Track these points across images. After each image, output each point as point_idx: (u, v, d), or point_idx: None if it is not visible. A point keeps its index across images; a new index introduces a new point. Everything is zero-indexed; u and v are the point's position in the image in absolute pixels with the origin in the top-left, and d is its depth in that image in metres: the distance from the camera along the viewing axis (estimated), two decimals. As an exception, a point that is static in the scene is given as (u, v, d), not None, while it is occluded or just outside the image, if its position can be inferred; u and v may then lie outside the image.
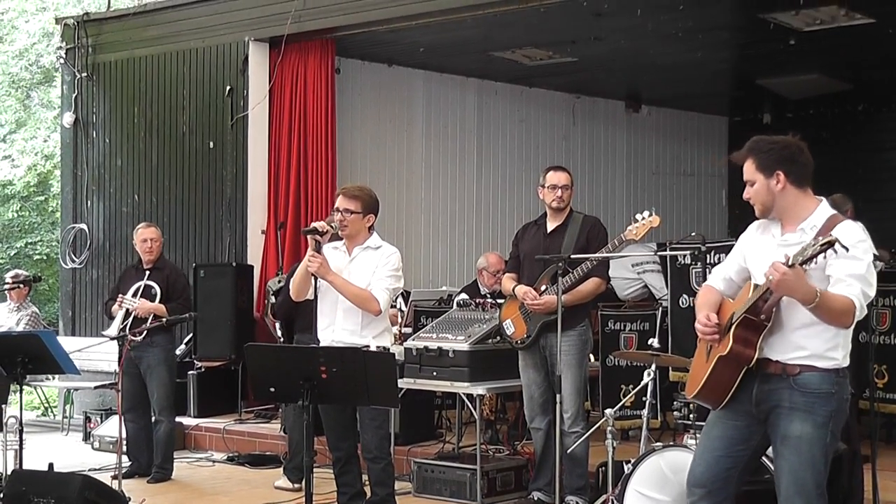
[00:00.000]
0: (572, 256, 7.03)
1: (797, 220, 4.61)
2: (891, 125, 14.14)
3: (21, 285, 11.82)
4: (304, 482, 5.69)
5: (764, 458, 5.05)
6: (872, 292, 4.50)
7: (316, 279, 6.21)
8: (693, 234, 7.32)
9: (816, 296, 4.31)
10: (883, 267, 6.72)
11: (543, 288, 7.36)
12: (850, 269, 4.40)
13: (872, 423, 6.73)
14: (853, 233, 4.50)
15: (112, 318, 8.91)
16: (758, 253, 4.70)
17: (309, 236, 6.27)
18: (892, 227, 9.29)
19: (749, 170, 4.65)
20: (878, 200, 12.03)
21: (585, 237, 7.40)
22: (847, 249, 4.29)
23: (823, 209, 4.62)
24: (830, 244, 4.21)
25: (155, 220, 11.39)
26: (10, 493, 7.03)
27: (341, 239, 6.47)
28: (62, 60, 13.38)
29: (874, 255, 4.55)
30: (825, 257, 4.25)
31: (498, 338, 7.85)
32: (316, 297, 6.26)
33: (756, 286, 4.55)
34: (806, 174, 4.64)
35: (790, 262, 4.26)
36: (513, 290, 7.53)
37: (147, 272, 9.01)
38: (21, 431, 7.46)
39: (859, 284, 4.41)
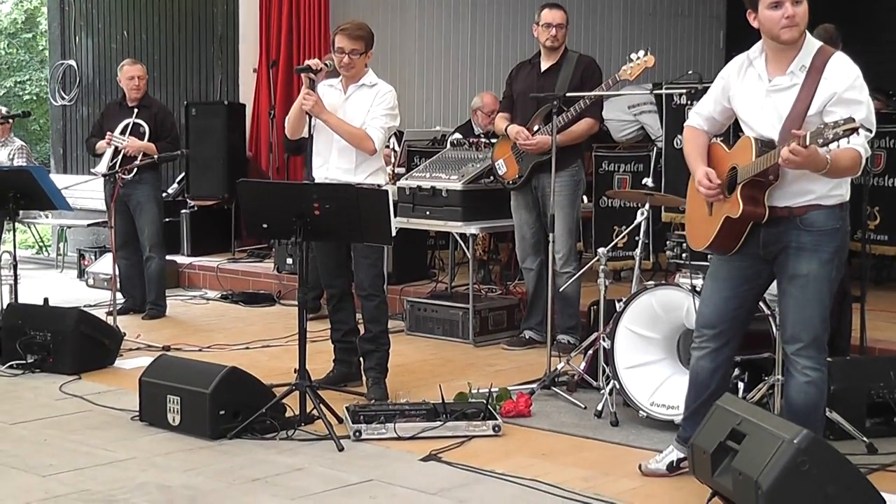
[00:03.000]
0: (567, 95, 6.97)
1: (786, 61, 4.51)
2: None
3: (9, 121, 11.71)
4: (298, 317, 5.76)
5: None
6: (874, 129, 4.46)
7: (310, 117, 6.17)
8: (690, 72, 7.25)
9: (827, 164, 4.29)
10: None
11: (536, 128, 7.33)
12: (852, 115, 4.31)
13: (863, 264, 6.78)
14: (847, 70, 4.44)
15: (96, 155, 8.87)
16: (745, 99, 4.62)
17: (303, 74, 6.18)
18: (889, 69, 9.21)
19: None
20: (874, 42, 11.89)
21: (580, 77, 7.34)
22: (870, 132, 4.26)
23: (809, 45, 4.51)
24: (854, 130, 4.11)
25: (144, 57, 11.29)
26: (7, 326, 7.12)
27: (337, 75, 6.39)
28: None
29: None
30: (847, 142, 4.16)
31: (491, 177, 7.86)
32: (311, 135, 6.22)
33: (758, 143, 4.48)
34: None
35: (808, 143, 4.19)
36: (505, 129, 7.50)
37: (135, 110, 8.93)
38: (15, 266, 7.51)
39: (862, 131, 4.35)
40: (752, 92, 4.61)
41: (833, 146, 4.20)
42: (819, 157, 4.27)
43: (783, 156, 4.27)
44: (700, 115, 4.89)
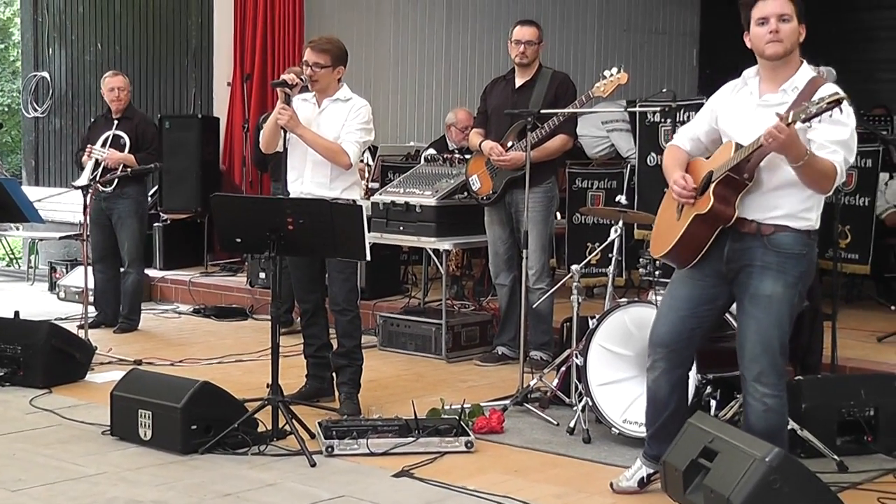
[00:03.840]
0: (541, 111, 7.00)
1: (779, 80, 4.54)
2: (866, -16, 14.03)
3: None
4: (271, 332, 5.75)
5: (727, 315, 5.12)
6: (852, 158, 4.49)
7: (285, 132, 6.17)
8: (664, 90, 7.29)
9: (806, 154, 4.29)
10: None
11: (510, 144, 7.35)
12: (834, 136, 4.37)
13: (834, 282, 6.82)
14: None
15: (82, 168, 8.84)
16: (733, 114, 4.66)
17: (278, 89, 6.19)
18: (865, 89, 9.31)
19: (786, 6, 4.49)
20: (852, 61, 11.98)
21: (554, 93, 7.36)
22: (841, 111, 4.25)
23: (805, 71, 4.56)
24: (838, 102, 4.14)
25: (118, 69, 11.22)
26: (-24, 340, 7.06)
27: (311, 91, 6.40)
28: None
29: None
30: (830, 115, 4.19)
31: (465, 193, 7.87)
32: (286, 149, 6.22)
33: (738, 146, 4.50)
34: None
35: (789, 120, 4.21)
36: (479, 145, 7.52)
37: (116, 122, 8.90)
38: (-14, 280, 7.47)
39: (843, 151, 4.38)
40: (741, 107, 4.63)
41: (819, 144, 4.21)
42: (800, 143, 4.27)
43: (766, 132, 4.24)
44: (685, 135, 4.90)
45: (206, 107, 11.62)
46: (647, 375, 4.92)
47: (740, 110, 4.63)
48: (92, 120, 9.72)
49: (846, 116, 4.41)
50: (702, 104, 8.05)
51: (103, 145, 8.78)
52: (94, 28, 12.51)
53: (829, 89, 4.34)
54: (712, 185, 4.54)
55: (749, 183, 4.50)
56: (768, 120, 4.33)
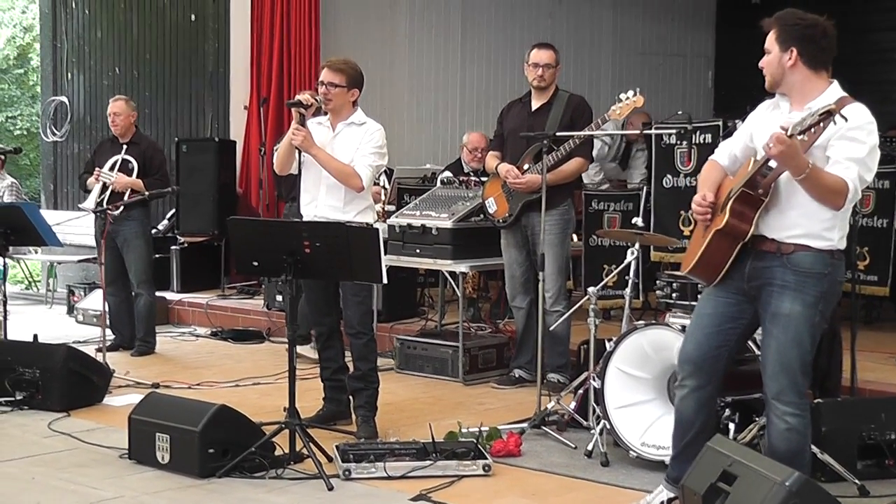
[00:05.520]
0: (557, 134, 6.98)
1: (805, 100, 4.55)
2: (881, 6, 13.96)
3: (1, 157, 11.72)
4: (288, 355, 5.73)
5: (749, 342, 5.09)
6: (870, 177, 4.48)
7: (300, 153, 6.16)
8: (679, 112, 7.26)
9: (807, 167, 4.28)
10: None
11: (526, 167, 7.33)
12: (850, 152, 4.37)
13: (853, 304, 6.77)
14: (860, 114, 4.45)
15: (87, 190, 8.85)
16: (765, 132, 4.64)
17: (293, 109, 6.19)
18: (881, 111, 9.19)
19: (769, 39, 4.59)
20: (867, 83, 11.94)
21: (570, 116, 7.35)
22: (846, 119, 4.25)
23: (833, 91, 4.55)
24: (830, 114, 4.15)
25: (136, 93, 11.30)
26: (-5, 363, 7.07)
27: (326, 114, 6.40)
28: (40, -72, 13.10)
29: None
30: (822, 126, 4.19)
31: (481, 216, 7.85)
32: (300, 171, 6.21)
33: (756, 161, 4.52)
34: (822, 58, 4.57)
35: (789, 133, 4.22)
36: (496, 167, 7.51)
37: (124, 146, 8.91)
38: (5, 303, 7.47)
39: (857, 168, 4.37)
40: (772, 125, 4.61)
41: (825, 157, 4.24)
42: (801, 155, 4.27)
43: (767, 142, 4.29)
44: (724, 150, 4.91)
45: (222, 130, 11.64)
46: (675, 394, 4.91)
47: (771, 128, 4.62)
48: (98, 143, 9.71)
49: (865, 134, 4.41)
50: (717, 126, 8.16)
51: (111, 169, 8.78)
52: (112, 53, 12.56)
53: (853, 109, 4.34)
54: (730, 202, 4.53)
55: (765, 199, 4.50)
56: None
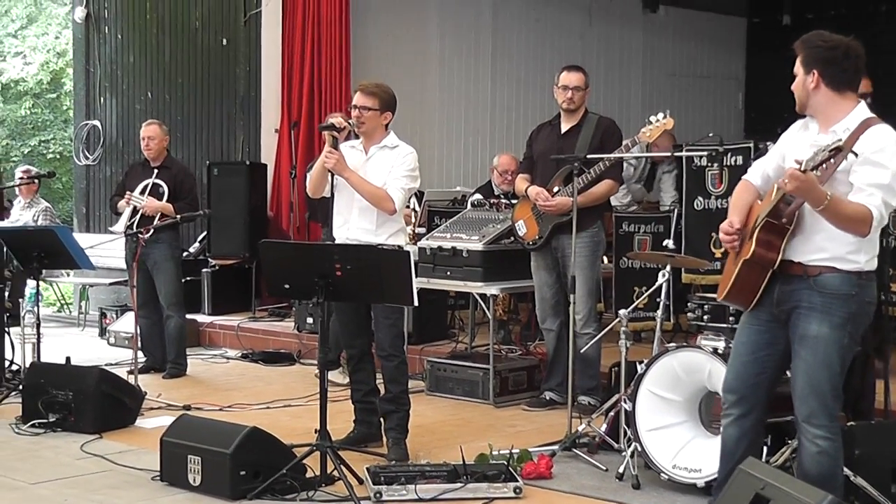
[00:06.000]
0: (587, 157, 6.99)
1: (831, 122, 4.56)
2: (913, 26, 13.95)
3: (35, 181, 11.83)
4: (319, 377, 5.75)
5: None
6: None
7: (332, 176, 6.20)
8: (710, 134, 7.26)
9: (826, 199, 4.29)
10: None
11: (556, 189, 7.34)
12: (873, 178, 4.36)
13: (885, 326, 6.72)
14: (882, 136, 4.44)
15: (118, 213, 8.91)
16: (796, 151, 4.65)
17: (325, 132, 6.23)
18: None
19: (797, 62, 4.63)
20: (887, 104, 11.87)
21: (599, 138, 7.35)
22: (856, 156, 4.27)
23: (859, 112, 4.55)
24: (838, 150, 4.18)
25: (167, 117, 11.37)
26: (29, 385, 7.14)
27: (358, 137, 6.44)
28: (73, -46, 13.23)
29: None
30: (834, 162, 4.22)
31: (511, 238, 7.86)
32: (332, 194, 6.25)
33: (779, 188, 4.52)
34: (846, 79, 4.57)
35: (802, 168, 4.23)
36: (525, 190, 7.52)
37: (155, 170, 8.98)
38: (38, 325, 7.53)
39: (881, 194, 4.37)
40: (800, 147, 4.63)
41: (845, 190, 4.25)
42: (816, 189, 4.28)
43: (784, 177, 4.31)
44: (756, 170, 4.91)
45: (253, 153, 11.70)
46: (721, 423, 4.92)
47: (798, 150, 4.62)
48: (129, 167, 9.78)
49: (889, 157, 4.40)
50: (748, 148, 8.14)
51: (142, 193, 8.85)
52: (144, 77, 12.66)
53: (872, 134, 4.34)
54: (755, 231, 4.54)
55: (789, 228, 4.50)
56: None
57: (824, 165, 4.22)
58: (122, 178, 9.54)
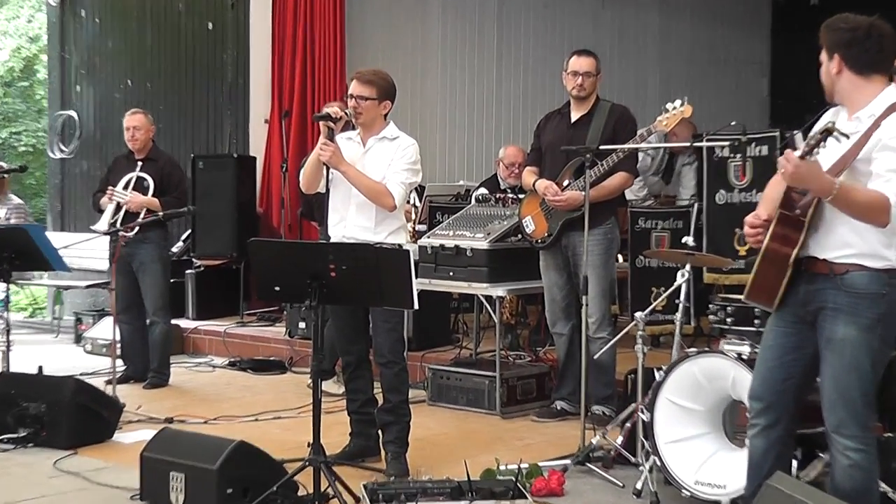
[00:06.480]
0: (599, 148, 6.96)
1: (856, 108, 4.54)
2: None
3: (5, 176, 11.79)
4: (312, 387, 5.71)
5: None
6: None
7: (328, 170, 6.17)
8: (733, 123, 7.22)
9: (834, 188, 4.27)
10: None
11: (566, 182, 7.32)
12: (892, 164, 4.33)
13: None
14: None
15: (101, 211, 8.87)
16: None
17: (321, 123, 6.21)
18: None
19: (823, 49, 4.63)
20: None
21: (612, 128, 7.33)
22: (848, 137, 4.28)
23: (886, 96, 4.52)
24: (829, 132, 4.21)
25: (149, 107, 11.30)
26: (-2, 396, 7.10)
27: (356, 128, 6.41)
28: (46, -69, 13.23)
29: None
30: (824, 146, 4.24)
31: (519, 236, 7.84)
32: (328, 189, 6.22)
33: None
34: (870, 60, 4.54)
35: (799, 154, 4.23)
36: (533, 184, 7.49)
37: (140, 163, 8.95)
38: (8, 332, 7.50)
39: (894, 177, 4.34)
40: None
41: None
42: (820, 176, 4.28)
43: (779, 162, 4.32)
44: None
45: (241, 146, 11.70)
46: (748, 433, 4.89)
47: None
48: (112, 160, 9.75)
49: None
50: (774, 137, 8.10)
51: (125, 187, 8.81)
52: (124, 64, 12.67)
53: (894, 119, 4.32)
54: (772, 225, 4.51)
55: (804, 219, 4.47)
56: (838, 149, 4.37)
57: (816, 150, 4.22)
58: (105, 173, 9.47)
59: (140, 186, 8.84)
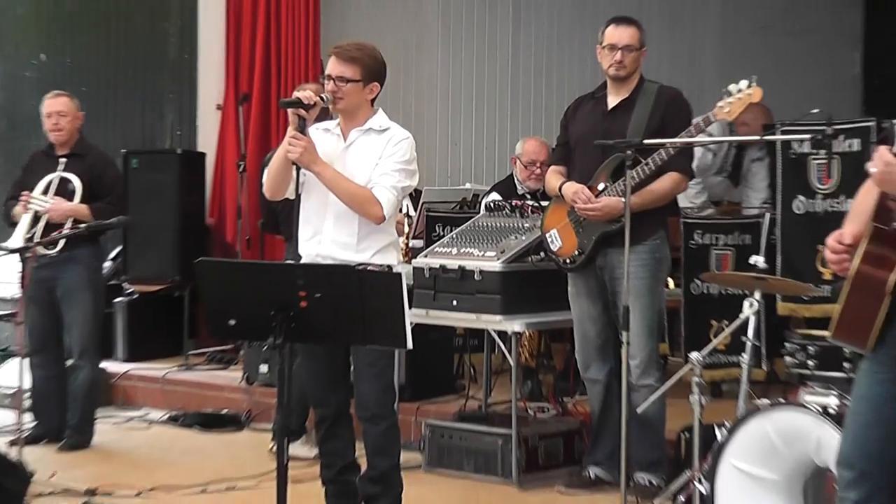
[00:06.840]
0: (644, 142, 6.97)
1: None
2: None
3: None
4: (277, 449, 5.71)
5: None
6: None
7: (298, 170, 6.17)
8: (815, 110, 7.22)
9: None
10: None
11: (602, 187, 7.32)
12: None
13: None
14: None
15: (14, 224, 8.85)
16: None
17: (290, 111, 6.21)
18: None
19: None
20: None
21: (661, 116, 7.35)
22: None
23: None
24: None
25: (69, 88, 11.34)
26: None
27: (334, 117, 6.42)
28: None
29: None
30: None
31: (541, 254, 7.84)
32: (298, 196, 6.22)
33: None
34: None
35: (894, 150, 4.23)
36: (560, 188, 7.50)
37: (63, 160, 8.94)
38: None
39: None
40: None
41: None
42: None
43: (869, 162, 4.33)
44: None
45: (188, 139, 11.74)
46: None
47: None
48: (29, 157, 9.73)
49: None
50: (868, 128, 8.11)
51: (45, 192, 8.81)
52: (37, 34, 12.69)
53: None
54: (863, 244, 4.50)
55: None
56: None
57: None
58: (19, 176, 9.42)
59: (64, 190, 8.82)
